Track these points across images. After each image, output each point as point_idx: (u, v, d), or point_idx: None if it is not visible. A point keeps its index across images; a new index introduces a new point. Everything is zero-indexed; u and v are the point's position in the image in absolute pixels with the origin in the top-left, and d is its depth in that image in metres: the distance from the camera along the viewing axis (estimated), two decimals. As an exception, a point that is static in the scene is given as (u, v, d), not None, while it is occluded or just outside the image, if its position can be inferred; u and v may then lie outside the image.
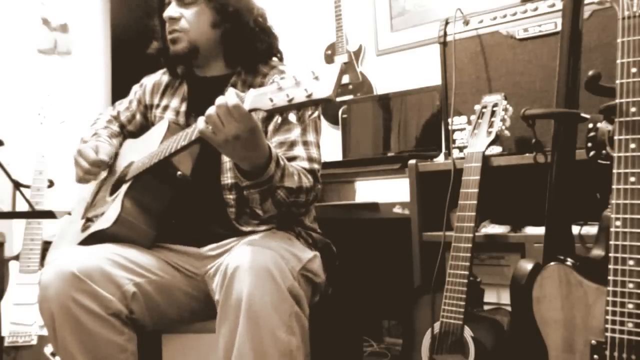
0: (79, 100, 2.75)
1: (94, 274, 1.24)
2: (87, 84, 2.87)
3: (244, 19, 1.50)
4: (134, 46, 2.85)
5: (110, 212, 1.39)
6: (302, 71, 0.99)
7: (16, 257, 2.12)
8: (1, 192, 2.25)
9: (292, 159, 1.38)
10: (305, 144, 1.42)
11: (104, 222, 1.39)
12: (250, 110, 1.08)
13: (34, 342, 1.99)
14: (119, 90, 2.65)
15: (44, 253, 2.09)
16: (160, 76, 1.66)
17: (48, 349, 1.98)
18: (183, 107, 1.55)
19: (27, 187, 2.08)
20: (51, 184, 2.19)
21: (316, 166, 1.41)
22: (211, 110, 1.10)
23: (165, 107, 1.60)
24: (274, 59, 1.57)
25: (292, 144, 1.40)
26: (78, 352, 1.22)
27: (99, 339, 1.23)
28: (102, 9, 2.92)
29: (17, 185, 1.60)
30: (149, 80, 1.68)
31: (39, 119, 2.22)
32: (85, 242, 1.40)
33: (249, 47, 1.51)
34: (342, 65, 0.96)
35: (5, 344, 1.98)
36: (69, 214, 1.59)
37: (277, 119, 1.38)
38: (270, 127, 1.43)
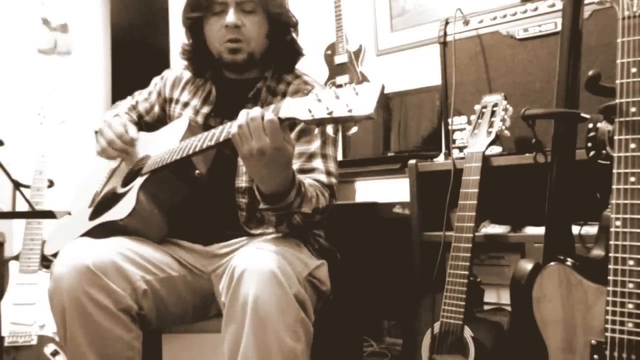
0: (79, 100, 2.75)
1: (107, 269, 1.23)
2: (87, 84, 2.88)
3: (289, 29, 1.51)
4: (134, 46, 2.88)
5: (124, 204, 1.38)
6: (342, 87, 0.99)
7: (16, 257, 2.11)
8: (1, 192, 2.25)
9: (310, 170, 1.38)
10: (324, 156, 1.41)
11: (116, 213, 1.37)
12: (286, 119, 1.07)
13: (34, 342, 1.99)
14: (119, 90, 2.65)
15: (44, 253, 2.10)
16: (182, 71, 1.64)
17: (48, 349, 1.98)
18: (205, 109, 1.54)
19: (27, 187, 2.08)
20: (51, 184, 2.19)
21: (333, 180, 1.41)
22: (242, 119, 1.10)
23: (185, 104, 1.58)
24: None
25: (311, 156, 1.40)
26: (86, 346, 1.21)
27: (108, 335, 1.22)
28: (102, 9, 2.93)
29: (17, 185, 1.59)
30: (170, 74, 1.66)
31: (39, 119, 2.21)
32: (94, 231, 1.39)
33: (287, 57, 1.53)
34: (382, 85, 0.95)
35: (5, 344, 1.98)
36: (69, 214, 1.59)
37: (298, 128, 1.39)
38: (291, 136, 1.40)
